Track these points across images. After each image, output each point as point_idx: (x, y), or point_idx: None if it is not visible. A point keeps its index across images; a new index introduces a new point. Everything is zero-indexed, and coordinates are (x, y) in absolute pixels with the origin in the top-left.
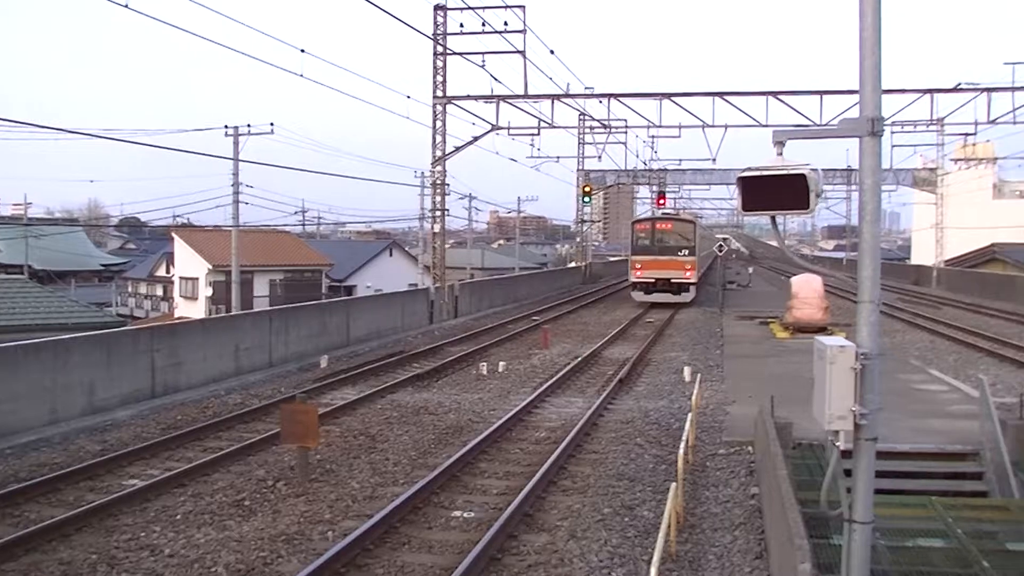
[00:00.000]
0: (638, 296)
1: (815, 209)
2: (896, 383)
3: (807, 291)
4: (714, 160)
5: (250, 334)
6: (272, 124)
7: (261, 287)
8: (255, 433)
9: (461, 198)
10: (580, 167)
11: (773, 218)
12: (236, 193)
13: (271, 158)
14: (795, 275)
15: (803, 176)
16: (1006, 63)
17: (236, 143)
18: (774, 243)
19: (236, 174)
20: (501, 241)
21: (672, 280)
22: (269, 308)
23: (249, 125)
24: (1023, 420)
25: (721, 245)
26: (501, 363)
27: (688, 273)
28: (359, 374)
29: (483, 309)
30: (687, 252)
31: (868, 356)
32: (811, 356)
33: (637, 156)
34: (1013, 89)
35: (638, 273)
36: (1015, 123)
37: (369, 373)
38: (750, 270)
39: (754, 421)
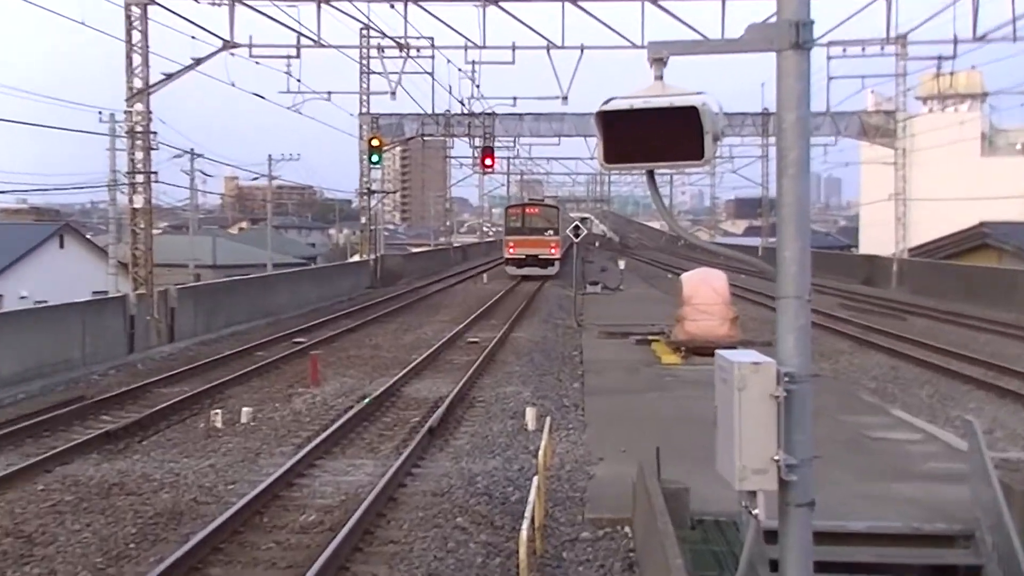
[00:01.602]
0: (511, 270)
1: (712, 159)
2: (842, 429)
3: (705, 294)
4: (565, 99)
5: None
6: None
7: None
8: None
9: (178, 156)
10: (365, 109)
11: (651, 175)
12: None
13: None
14: (687, 270)
15: (694, 109)
16: None
17: None
18: (655, 224)
19: None
20: (244, 224)
21: (540, 256)
22: None
23: None
24: None
25: (577, 227)
26: (245, 410)
27: (553, 250)
28: (6, 436)
29: (217, 328)
30: (552, 232)
31: (795, 378)
32: (713, 387)
33: (451, 93)
34: None
35: (512, 250)
36: (1016, 39)
37: (24, 433)
38: (621, 264)
39: (632, 488)
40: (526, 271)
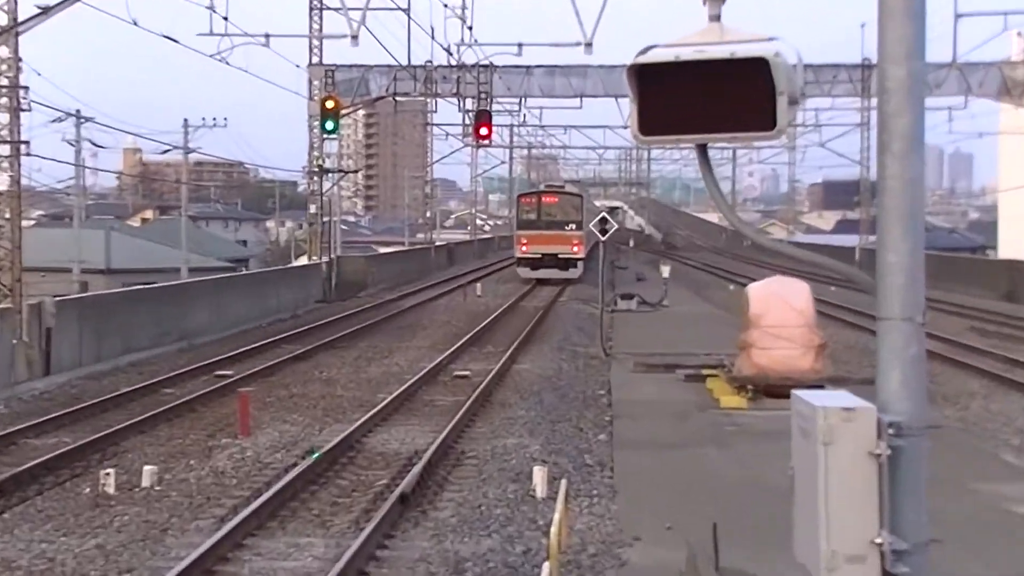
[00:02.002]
0: (524, 272)
1: (786, 127)
2: (973, 501)
3: (781, 312)
4: (589, 46)
5: None
6: None
7: None
8: None
9: (59, 119)
10: (316, 59)
11: (703, 150)
12: None
13: None
14: (755, 280)
15: (763, 61)
16: None
17: None
18: (711, 216)
19: None
20: (150, 213)
21: (559, 256)
22: None
23: None
24: None
25: (604, 219)
26: (148, 469)
27: (576, 248)
28: None
29: (111, 355)
30: (574, 226)
31: (904, 429)
32: (789, 441)
33: (433, 37)
34: None
35: (524, 249)
36: None
37: None
38: (664, 271)
39: None
40: (542, 273)
